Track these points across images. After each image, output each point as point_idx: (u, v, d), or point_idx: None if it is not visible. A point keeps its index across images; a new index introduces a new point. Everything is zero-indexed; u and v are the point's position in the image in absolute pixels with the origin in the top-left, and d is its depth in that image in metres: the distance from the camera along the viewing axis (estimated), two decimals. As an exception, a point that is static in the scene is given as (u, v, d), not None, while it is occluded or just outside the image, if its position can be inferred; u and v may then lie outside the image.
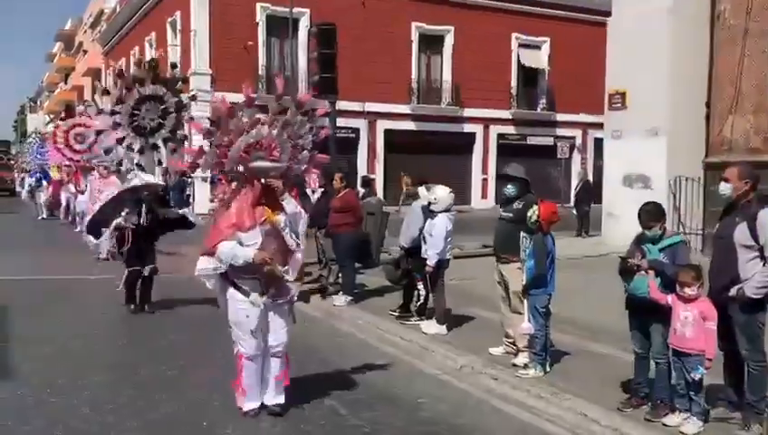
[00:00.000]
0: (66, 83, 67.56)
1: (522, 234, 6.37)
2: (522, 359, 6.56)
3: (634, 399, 5.42)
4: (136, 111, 8.91)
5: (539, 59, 33.24)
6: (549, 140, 32.72)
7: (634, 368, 5.50)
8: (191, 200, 25.01)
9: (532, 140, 33.10)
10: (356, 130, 29.22)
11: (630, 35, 16.11)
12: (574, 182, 30.74)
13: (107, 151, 9.37)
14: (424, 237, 7.79)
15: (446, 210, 7.72)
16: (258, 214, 4.93)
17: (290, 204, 5.15)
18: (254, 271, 4.92)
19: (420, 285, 8.26)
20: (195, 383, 6.10)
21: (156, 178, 8.96)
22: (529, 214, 6.30)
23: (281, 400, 5.30)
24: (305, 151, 5.14)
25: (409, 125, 30.65)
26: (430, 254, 7.63)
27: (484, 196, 32.13)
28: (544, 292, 6.30)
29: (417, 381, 6.35)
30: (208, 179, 26.98)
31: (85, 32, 57.11)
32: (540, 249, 6.18)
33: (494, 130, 32.57)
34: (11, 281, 11.19)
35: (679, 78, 15.25)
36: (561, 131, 33.47)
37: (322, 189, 10.15)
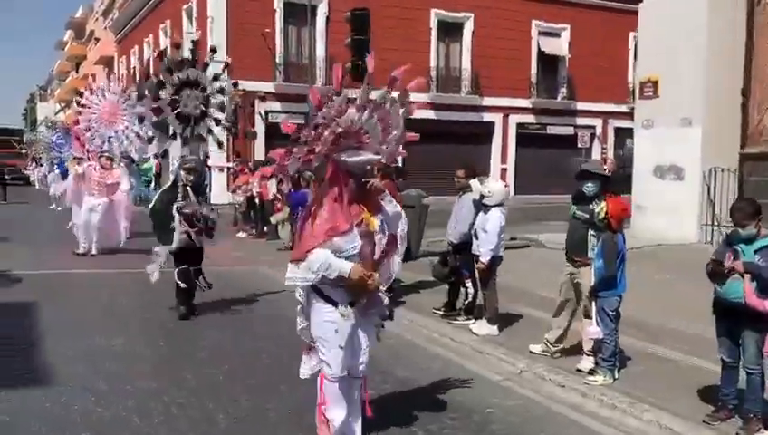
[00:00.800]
0: (77, 72, 67.33)
1: (590, 232, 6.00)
2: (586, 364, 6.20)
3: (722, 411, 5.04)
4: (176, 97, 8.55)
5: (559, 46, 32.71)
6: (569, 130, 32.28)
7: (721, 377, 5.13)
8: (208, 190, 24.66)
9: (551, 130, 32.68)
10: (374, 119, 28.79)
11: (663, 21, 15.62)
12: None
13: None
14: (475, 233, 7.41)
15: (500, 204, 7.34)
16: (354, 213, 4.29)
17: (390, 203, 4.51)
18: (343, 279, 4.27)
19: (468, 283, 7.90)
20: (245, 389, 5.76)
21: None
22: (597, 210, 5.92)
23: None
24: (395, 132, 4.45)
25: (428, 114, 30.15)
26: (484, 250, 7.24)
27: (503, 186, 31.71)
28: (614, 293, 5.94)
29: (478, 387, 5.96)
30: (225, 169, 26.70)
31: (97, 20, 56.79)
32: (610, 249, 5.81)
33: (514, 119, 32.12)
34: (37, 275, 10.88)
35: (715, 65, 14.74)
36: (581, 121, 32.98)
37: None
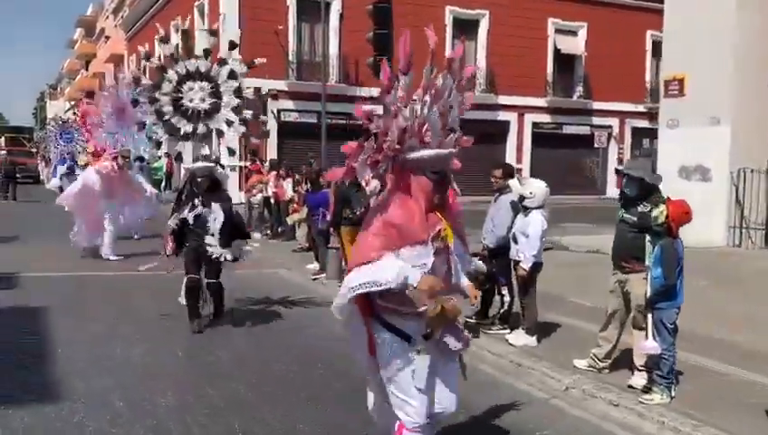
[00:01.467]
0: (87, 70, 67.17)
1: (647, 238, 5.54)
2: (639, 380, 5.73)
3: (801, 437, 4.59)
4: (179, 93, 8.02)
5: (575, 45, 32.18)
6: (585, 129, 31.85)
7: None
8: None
9: (567, 129, 32.18)
10: (388, 118, 28.41)
11: (690, 18, 15.12)
12: (611, 172, 29.89)
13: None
14: (514, 236, 6.96)
15: (541, 206, 6.88)
16: (432, 222, 3.52)
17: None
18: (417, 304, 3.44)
19: (505, 290, 7.45)
20: (272, 406, 5.32)
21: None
22: (655, 214, 5.45)
23: None
24: (452, 133, 3.65)
25: (442, 112, 29.76)
26: (526, 256, 6.78)
27: (518, 186, 31.23)
28: (673, 305, 5.47)
29: (524, 405, 5.50)
30: (237, 168, 26.30)
31: (107, 17, 56.55)
32: (670, 256, 5.34)
33: (529, 118, 31.59)
34: (46, 277, 10.48)
35: (744, 63, 14.25)
36: (597, 120, 32.49)
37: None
